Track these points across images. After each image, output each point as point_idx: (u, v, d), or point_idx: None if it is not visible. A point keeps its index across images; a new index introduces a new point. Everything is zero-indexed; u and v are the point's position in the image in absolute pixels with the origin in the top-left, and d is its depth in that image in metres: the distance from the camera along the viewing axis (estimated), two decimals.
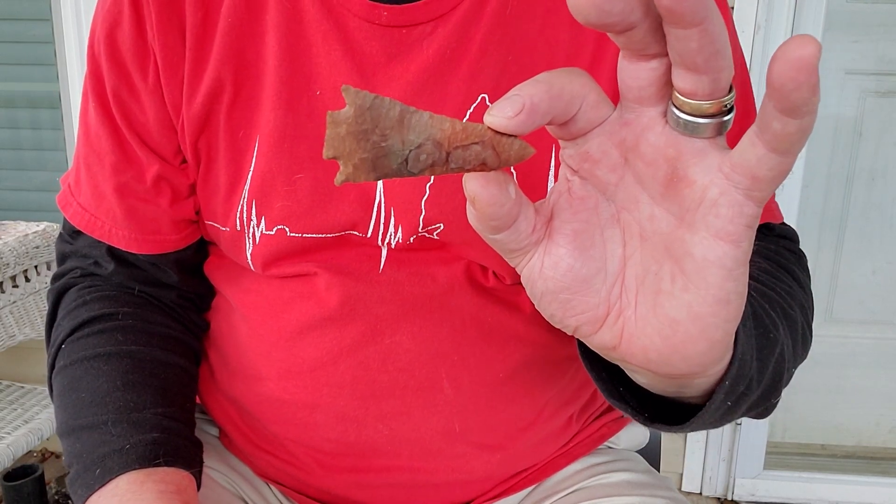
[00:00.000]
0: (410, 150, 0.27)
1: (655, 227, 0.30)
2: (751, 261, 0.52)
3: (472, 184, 0.28)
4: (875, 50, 1.65)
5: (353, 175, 0.27)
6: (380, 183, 0.54)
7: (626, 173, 0.30)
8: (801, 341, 0.48)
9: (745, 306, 0.35)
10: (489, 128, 0.27)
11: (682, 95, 0.26)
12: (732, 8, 1.45)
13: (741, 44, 0.59)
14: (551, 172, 0.52)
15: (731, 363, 0.35)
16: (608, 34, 0.26)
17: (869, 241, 1.77)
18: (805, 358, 0.52)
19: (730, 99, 0.26)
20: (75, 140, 0.62)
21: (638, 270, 0.31)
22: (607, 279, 0.31)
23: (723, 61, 0.25)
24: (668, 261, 0.29)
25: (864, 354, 1.82)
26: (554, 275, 0.31)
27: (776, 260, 0.54)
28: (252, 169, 0.55)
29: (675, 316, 0.29)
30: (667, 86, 0.27)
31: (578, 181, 0.31)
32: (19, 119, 1.82)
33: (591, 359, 0.39)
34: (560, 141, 0.31)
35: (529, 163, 0.47)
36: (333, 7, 0.53)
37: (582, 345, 0.39)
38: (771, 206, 0.58)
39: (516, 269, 0.32)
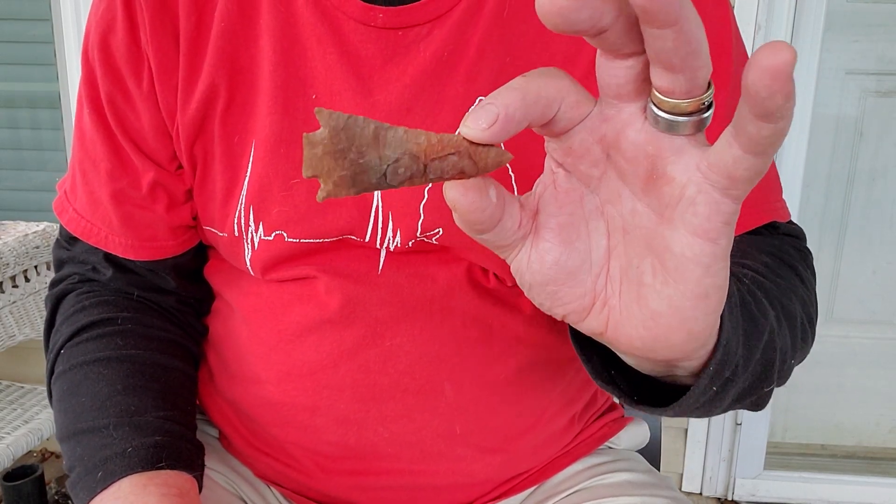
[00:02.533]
0: (388, 165, 0.28)
1: (637, 222, 0.30)
2: (753, 255, 0.52)
3: (452, 192, 0.29)
4: (875, 50, 1.65)
5: (333, 191, 0.28)
6: None
7: (608, 168, 0.30)
8: (801, 335, 0.48)
9: (733, 293, 0.36)
10: (465, 138, 0.28)
11: (660, 93, 0.26)
12: (733, 8, 1.45)
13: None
14: None
15: (715, 349, 0.35)
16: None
17: (869, 241, 1.77)
18: (807, 353, 0.51)
19: (708, 96, 0.27)
20: (72, 139, 0.62)
21: (622, 262, 0.31)
22: (592, 270, 0.32)
23: (699, 60, 0.25)
24: (649, 255, 0.30)
25: (864, 354, 1.82)
26: (540, 268, 0.32)
27: (779, 256, 0.53)
28: (248, 174, 0.55)
29: (656, 308, 0.30)
30: (645, 82, 0.27)
31: (563, 174, 0.31)
32: (19, 119, 1.82)
33: (582, 342, 0.40)
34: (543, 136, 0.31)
35: (527, 161, 0.47)
36: (328, 10, 0.53)
37: (572, 328, 0.39)
38: (776, 205, 0.57)
39: (506, 262, 0.33)
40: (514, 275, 0.33)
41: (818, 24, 1.50)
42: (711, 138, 0.28)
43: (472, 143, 0.28)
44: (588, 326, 0.33)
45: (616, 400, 0.42)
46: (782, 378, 0.46)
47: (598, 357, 0.40)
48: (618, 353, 0.37)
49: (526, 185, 0.33)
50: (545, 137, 0.31)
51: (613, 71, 0.27)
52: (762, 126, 0.24)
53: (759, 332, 0.40)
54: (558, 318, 0.34)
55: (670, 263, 0.29)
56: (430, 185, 0.53)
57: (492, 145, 0.28)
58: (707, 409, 0.40)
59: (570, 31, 0.25)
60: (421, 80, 0.52)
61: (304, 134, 0.27)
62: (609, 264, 0.32)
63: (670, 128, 0.27)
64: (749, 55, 0.60)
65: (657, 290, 0.30)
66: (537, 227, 0.31)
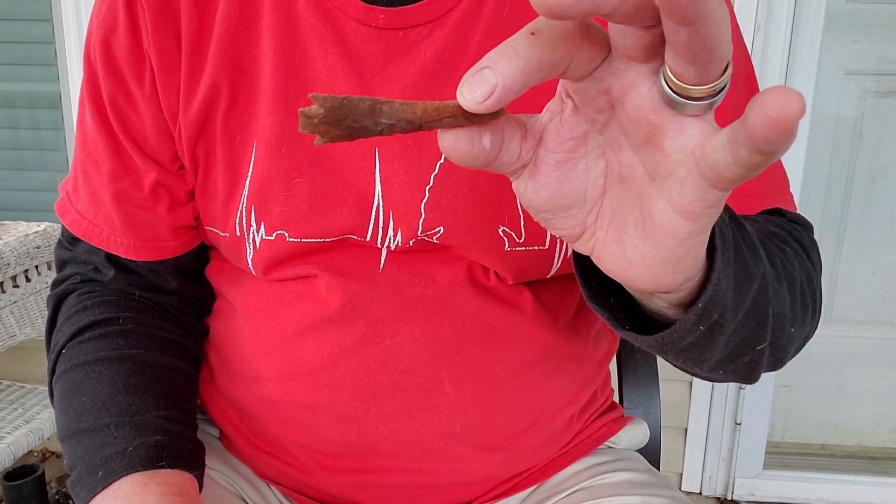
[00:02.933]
0: (383, 129, 0.28)
1: (632, 174, 0.30)
2: (760, 223, 0.51)
3: (445, 141, 0.29)
4: (875, 50, 1.65)
5: (330, 140, 0.28)
6: (378, 186, 0.54)
7: (612, 118, 0.30)
8: (801, 301, 0.47)
9: (728, 236, 0.36)
10: (460, 106, 0.28)
11: (672, 75, 0.26)
12: (732, 6, 1.46)
13: None
14: None
15: (705, 286, 0.35)
16: None
17: (869, 241, 1.77)
18: (811, 328, 0.50)
19: (720, 82, 0.26)
20: (74, 140, 0.62)
21: (614, 204, 0.32)
22: (585, 206, 0.33)
23: (714, 55, 0.24)
24: (635, 209, 0.31)
25: (864, 354, 1.82)
26: (535, 199, 0.32)
27: (789, 230, 0.53)
28: (250, 174, 0.55)
29: (631, 258, 0.31)
30: (658, 48, 0.26)
31: (571, 106, 0.31)
32: (19, 119, 1.82)
33: (582, 265, 0.40)
34: None
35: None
36: (329, 10, 0.53)
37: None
38: (782, 197, 0.57)
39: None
40: (514, 190, 0.33)
41: (818, 24, 1.51)
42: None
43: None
44: (577, 247, 0.35)
45: (605, 319, 0.41)
46: (779, 346, 0.45)
47: (597, 283, 0.40)
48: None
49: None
50: None
51: (623, 35, 0.26)
52: (755, 155, 0.24)
53: (750, 277, 0.40)
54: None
55: (649, 227, 0.30)
56: (431, 183, 0.53)
57: None
58: (695, 354, 0.39)
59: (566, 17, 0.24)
60: (422, 80, 0.53)
61: (300, 109, 0.27)
62: (602, 202, 0.32)
63: (675, 106, 0.27)
64: (748, 55, 0.60)
65: (634, 244, 0.31)
66: (536, 161, 0.32)
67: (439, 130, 0.29)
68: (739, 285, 0.39)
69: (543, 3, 0.23)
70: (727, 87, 0.26)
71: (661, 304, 0.37)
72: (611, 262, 0.33)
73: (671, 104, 0.27)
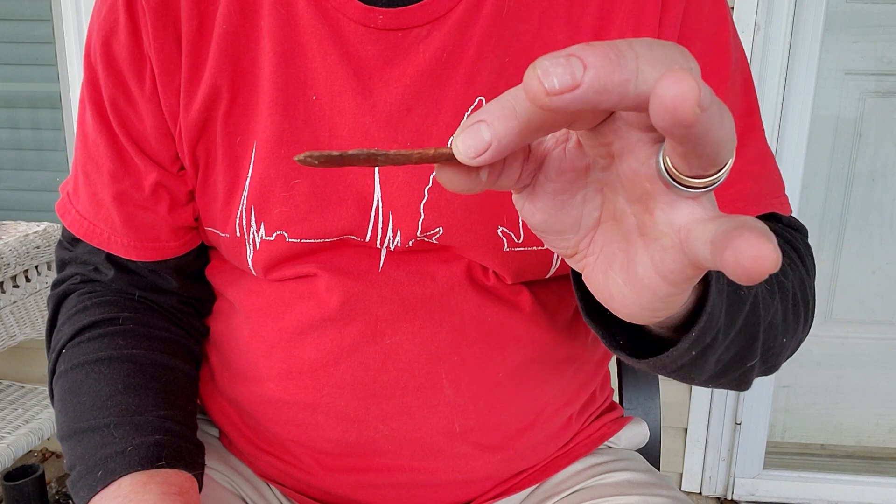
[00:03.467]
0: (378, 166, 0.28)
1: (625, 219, 0.31)
2: None
3: (442, 176, 0.29)
4: (875, 50, 1.65)
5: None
6: (377, 187, 0.54)
7: (612, 164, 0.30)
8: (794, 312, 0.48)
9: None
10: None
11: (668, 160, 0.26)
12: (732, 8, 1.46)
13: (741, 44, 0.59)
14: None
15: (699, 316, 0.36)
16: None
17: (869, 241, 1.77)
18: (803, 334, 0.51)
19: (720, 175, 0.26)
20: (75, 141, 0.62)
21: (606, 238, 0.32)
22: (579, 232, 0.33)
23: (714, 161, 0.24)
24: (623, 252, 0.31)
25: (864, 354, 1.82)
26: (531, 219, 0.33)
27: (783, 235, 0.54)
28: (250, 175, 0.55)
29: (612, 292, 0.32)
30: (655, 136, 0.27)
31: (575, 140, 0.31)
32: (19, 119, 1.82)
33: (579, 280, 0.40)
34: None
35: None
36: (328, 11, 0.53)
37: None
38: (777, 200, 0.57)
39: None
40: (514, 202, 0.34)
41: (817, 25, 1.51)
42: None
43: None
44: (570, 264, 0.35)
45: (601, 339, 0.42)
46: (772, 355, 0.46)
47: (594, 299, 0.41)
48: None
49: None
50: None
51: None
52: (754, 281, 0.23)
53: (742, 299, 0.41)
54: None
55: (632, 275, 0.30)
56: (430, 184, 0.54)
57: None
58: (686, 373, 0.41)
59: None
60: (421, 80, 0.53)
61: (295, 157, 0.27)
62: (595, 233, 0.33)
63: (672, 188, 0.27)
64: (748, 56, 0.60)
65: (617, 284, 0.31)
66: (535, 186, 0.32)
67: (436, 167, 0.29)
68: (731, 307, 0.40)
69: (538, 99, 0.23)
70: (723, 177, 0.26)
71: (653, 326, 0.38)
72: (595, 289, 0.33)
73: (667, 184, 0.27)
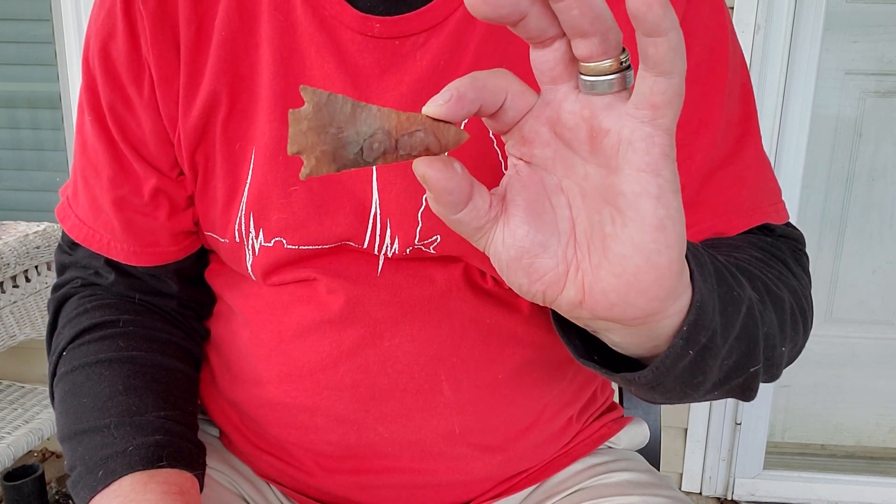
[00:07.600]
0: (364, 140, 0.32)
1: (591, 183, 0.33)
2: (743, 249, 0.53)
3: (420, 166, 0.32)
4: (875, 50, 1.65)
5: (315, 168, 0.31)
6: (375, 195, 0.54)
7: (557, 145, 0.34)
8: (792, 321, 0.48)
9: (706, 263, 0.39)
10: (427, 116, 0.32)
11: (583, 62, 0.31)
12: (732, 8, 1.45)
13: (741, 44, 0.59)
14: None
15: (689, 308, 0.37)
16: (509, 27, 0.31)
17: (869, 241, 1.77)
18: (801, 345, 0.52)
19: (625, 57, 0.31)
20: (74, 146, 0.62)
21: (585, 226, 0.34)
22: (561, 239, 0.35)
23: (606, 23, 0.29)
24: (606, 206, 0.33)
25: (864, 354, 1.82)
26: (514, 241, 0.35)
27: (770, 251, 0.54)
28: (249, 181, 0.55)
29: (621, 251, 0.33)
30: (572, 62, 0.32)
31: (524, 165, 0.35)
32: (19, 119, 1.82)
33: (565, 326, 0.43)
34: (502, 136, 0.36)
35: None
36: (326, 19, 0.53)
37: (555, 313, 0.42)
38: (772, 208, 0.58)
39: (484, 252, 0.36)
40: (492, 260, 0.36)
41: (818, 25, 1.51)
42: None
43: (434, 121, 0.32)
44: (567, 298, 0.35)
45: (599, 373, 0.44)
46: (772, 365, 0.46)
47: (580, 340, 0.43)
48: (603, 336, 0.39)
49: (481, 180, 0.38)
50: (503, 139, 0.36)
51: (544, 57, 0.32)
52: (657, 42, 0.28)
53: (736, 302, 0.41)
54: (539, 301, 0.36)
55: (624, 204, 0.32)
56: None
57: (451, 124, 0.33)
58: (688, 380, 0.41)
59: (495, 18, 0.30)
60: (417, 89, 0.52)
61: (290, 110, 0.30)
62: (575, 231, 0.35)
63: (598, 89, 0.31)
64: (747, 56, 0.60)
65: (619, 234, 0.33)
66: (506, 207, 0.35)
67: (415, 160, 0.33)
68: (726, 308, 0.40)
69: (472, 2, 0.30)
70: (631, 66, 0.31)
71: (652, 345, 0.38)
72: (605, 281, 0.34)
73: (594, 88, 0.31)
